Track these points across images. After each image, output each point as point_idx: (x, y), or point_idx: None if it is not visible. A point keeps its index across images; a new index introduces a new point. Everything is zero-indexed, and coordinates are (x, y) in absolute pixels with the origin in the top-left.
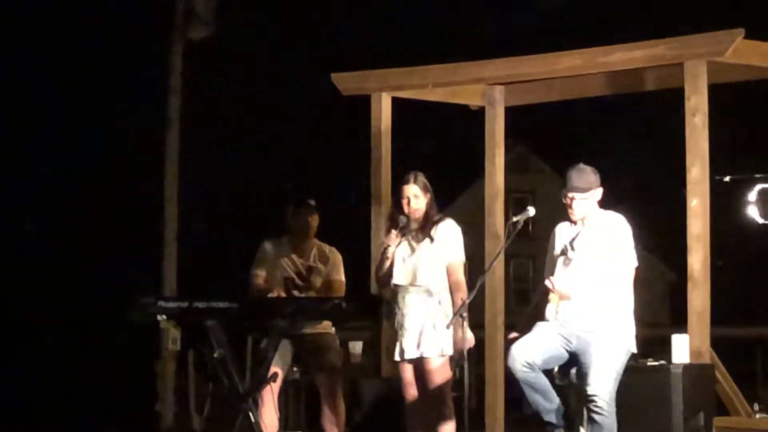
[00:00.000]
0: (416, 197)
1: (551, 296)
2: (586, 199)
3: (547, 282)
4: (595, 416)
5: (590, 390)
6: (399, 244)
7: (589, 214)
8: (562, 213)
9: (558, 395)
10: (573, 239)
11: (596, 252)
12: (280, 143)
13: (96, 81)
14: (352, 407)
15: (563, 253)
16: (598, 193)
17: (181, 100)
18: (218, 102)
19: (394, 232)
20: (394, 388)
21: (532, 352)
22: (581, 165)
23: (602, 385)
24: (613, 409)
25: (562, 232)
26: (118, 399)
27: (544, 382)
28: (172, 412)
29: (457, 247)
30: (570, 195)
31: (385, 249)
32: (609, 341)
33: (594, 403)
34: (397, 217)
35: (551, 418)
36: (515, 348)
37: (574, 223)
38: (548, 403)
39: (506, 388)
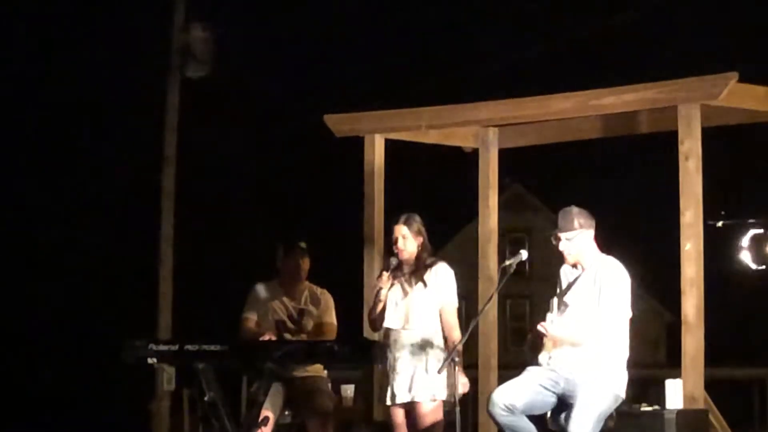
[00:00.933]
0: (404, 238)
1: (545, 341)
2: (571, 240)
3: (539, 327)
4: None
5: (570, 430)
6: (392, 287)
7: (586, 257)
8: (558, 253)
9: None
10: (572, 283)
11: (591, 299)
12: (274, 182)
13: (92, 119)
14: None
15: (560, 300)
16: (587, 235)
17: (177, 137)
18: (213, 140)
19: (385, 274)
20: (386, 431)
21: (512, 396)
22: (569, 207)
23: (581, 427)
24: None
25: (566, 274)
26: None
27: (525, 424)
28: None
29: (450, 291)
30: (556, 235)
31: (377, 292)
32: (596, 385)
33: None
34: (388, 259)
35: None
36: (495, 392)
37: (575, 266)
38: None
39: (501, 430)
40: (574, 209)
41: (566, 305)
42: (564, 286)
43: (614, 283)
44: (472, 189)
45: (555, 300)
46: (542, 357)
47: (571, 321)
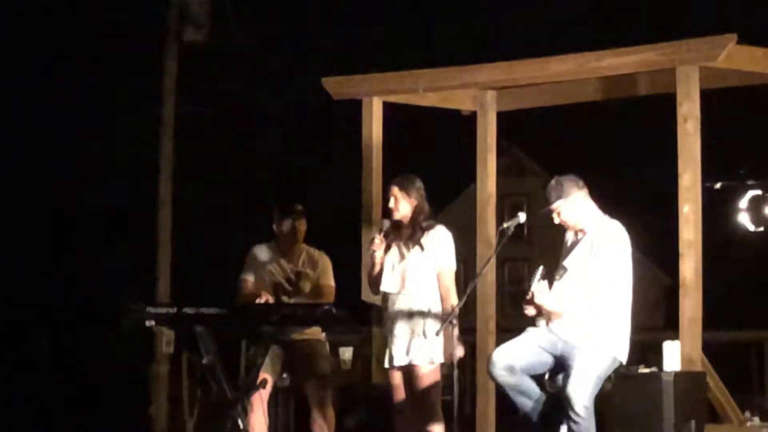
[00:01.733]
0: (397, 199)
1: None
2: (564, 208)
3: (528, 295)
4: (572, 424)
5: (567, 392)
6: (389, 250)
7: (586, 221)
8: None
9: (549, 403)
10: (571, 248)
11: (588, 263)
12: (273, 146)
13: (90, 83)
14: (341, 414)
15: (560, 262)
16: (579, 198)
17: (175, 102)
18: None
19: (378, 236)
20: (384, 394)
21: (511, 357)
22: (552, 180)
23: (579, 389)
24: (591, 417)
25: (569, 238)
26: (112, 403)
27: (528, 383)
28: (166, 416)
29: (447, 255)
30: (550, 210)
31: (372, 255)
32: (594, 347)
33: (570, 407)
34: (381, 222)
35: (539, 418)
36: (495, 353)
37: (578, 232)
38: (534, 403)
39: (499, 393)
40: (557, 179)
41: (564, 269)
42: (565, 250)
43: (612, 247)
44: (471, 153)
45: (540, 269)
46: (540, 323)
47: (566, 288)
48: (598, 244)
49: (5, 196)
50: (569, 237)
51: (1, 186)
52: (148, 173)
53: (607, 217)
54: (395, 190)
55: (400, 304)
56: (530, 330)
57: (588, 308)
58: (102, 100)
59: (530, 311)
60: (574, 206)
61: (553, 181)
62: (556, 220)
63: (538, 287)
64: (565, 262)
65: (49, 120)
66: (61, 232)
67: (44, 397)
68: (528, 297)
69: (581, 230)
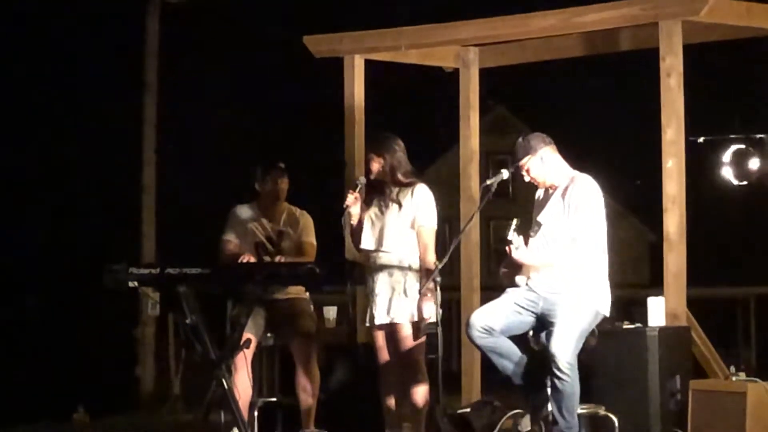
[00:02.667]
0: (371, 159)
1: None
2: (532, 165)
3: (508, 251)
4: (556, 381)
5: (551, 348)
6: (370, 207)
7: (555, 176)
8: (533, 185)
9: (533, 361)
10: (543, 203)
11: (562, 217)
12: (256, 106)
13: (71, 45)
14: (326, 372)
15: (533, 218)
16: (547, 153)
17: (157, 64)
18: (194, 65)
19: (352, 193)
20: (369, 353)
21: (489, 318)
22: (518, 139)
23: (562, 345)
24: (575, 373)
25: (540, 194)
26: (98, 364)
27: (507, 345)
28: (152, 377)
29: (426, 212)
30: (519, 167)
31: (347, 211)
32: (575, 302)
33: (554, 364)
34: (356, 179)
35: (520, 381)
36: (473, 316)
37: (549, 188)
38: (515, 366)
39: (482, 353)
40: (523, 137)
41: (539, 225)
42: (537, 206)
43: (584, 199)
44: (456, 111)
45: (515, 222)
46: (520, 280)
47: (541, 243)
48: (571, 197)
49: None
50: (540, 194)
51: None
52: (132, 134)
53: (576, 172)
54: (369, 149)
55: (379, 261)
56: (509, 291)
57: (566, 261)
58: (84, 62)
59: (506, 272)
60: (543, 162)
61: (520, 140)
62: (526, 178)
63: (516, 242)
64: (539, 218)
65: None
66: (44, 194)
67: (29, 358)
68: (506, 249)
69: (551, 186)
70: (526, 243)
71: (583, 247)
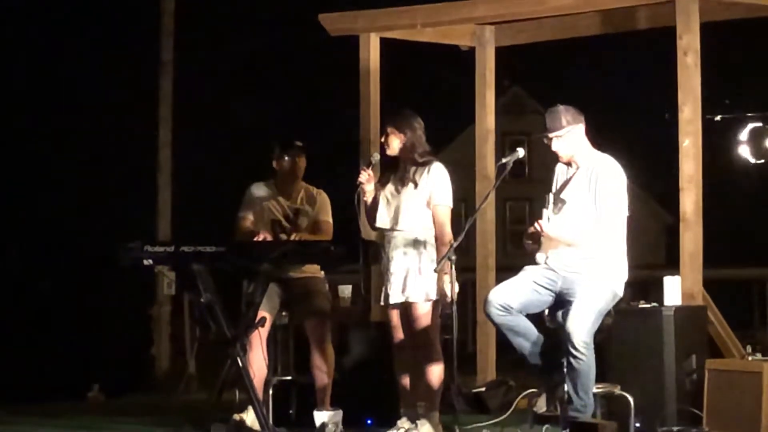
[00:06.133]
0: (387, 135)
1: (542, 240)
2: (561, 137)
3: (535, 225)
4: (572, 360)
5: (567, 327)
6: (386, 185)
7: (579, 154)
8: (552, 154)
9: (549, 340)
10: (567, 181)
11: (587, 196)
12: (273, 85)
13: (88, 24)
14: (341, 351)
15: (556, 197)
16: (578, 131)
17: (173, 42)
18: (211, 45)
19: (365, 171)
20: (383, 332)
21: (507, 296)
22: (555, 106)
23: (579, 324)
24: (591, 352)
25: (562, 171)
26: (114, 343)
27: (525, 324)
28: (168, 356)
29: (442, 191)
30: (547, 136)
31: (360, 188)
32: (594, 282)
33: (571, 343)
34: (370, 155)
35: (537, 360)
36: (491, 293)
37: (569, 164)
38: (532, 345)
39: (499, 331)
40: (560, 107)
41: (563, 202)
42: (560, 183)
43: (611, 180)
44: (472, 90)
45: (551, 197)
46: (539, 257)
47: (567, 219)
48: (597, 177)
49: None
50: (560, 171)
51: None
52: (147, 115)
53: (601, 153)
54: (387, 125)
55: (394, 240)
56: (528, 268)
57: (590, 240)
58: (101, 43)
59: (530, 245)
60: (573, 136)
61: (556, 107)
62: (553, 147)
63: (548, 215)
64: (563, 195)
65: (49, 61)
66: (61, 175)
67: (47, 336)
68: (536, 224)
69: (574, 163)
70: (540, 217)
71: (606, 227)
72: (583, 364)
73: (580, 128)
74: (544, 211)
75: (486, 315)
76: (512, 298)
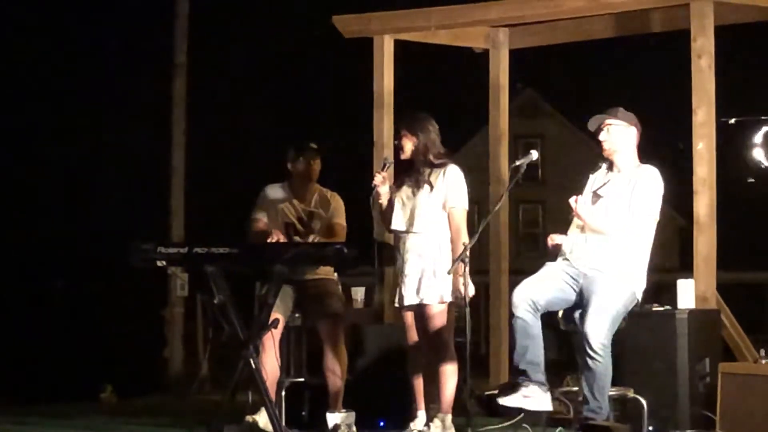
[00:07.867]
0: (402, 138)
1: (573, 221)
2: (616, 129)
3: (571, 200)
4: (588, 360)
5: (585, 327)
6: (401, 188)
7: (623, 156)
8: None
9: (562, 341)
10: (605, 183)
11: (624, 196)
12: (286, 87)
13: (103, 27)
14: (354, 353)
15: (593, 194)
16: (631, 133)
17: (187, 44)
18: (224, 47)
19: (380, 174)
20: (396, 334)
21: (535, 292)
22: (622, 108)
23: (597, 325)
24: (608, 355)
25: (596, 180)
26: (127, 344)
27: (538, 331)
28: (181, 358)
29: (458, 193)
30: (603, 121)
31: (375, 191)
32: (615, 282)
33: (588, 344)
34: (384, 158)
35: (529, 368)
36: (520, 287)
37: (609, 170)
38: (534, 355)
39: (511, 333)
40: (622, 108)
41: (598, 197)
42: (595, 182)
43: (649, 184)
44: (486, 93)
45: (587, 192)
46: (566, 246)
47: (601, 210)
48: (639, 181)
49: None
50: (599, 175)
51: (17, 128)
52: (161, 116)
53: (642, 163)
54: (403, 127)
55: (409, 242)
56: (550, 264)
57: (619, 230)
58: (115, 43)
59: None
60: (626, 134)
61: (617, 107)
62: (603, 136)
63: (584, 197)
64: (601, 191)
65: (63, 63)
66: (73, 174)
67: (60, 337)
68: (570, 200)
69: (615, 166)
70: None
71: (636, 229)
72: (599, 365)
73: (633, 132)
74: (586, 191)
75: (512, 309)
76: (539, 295)
